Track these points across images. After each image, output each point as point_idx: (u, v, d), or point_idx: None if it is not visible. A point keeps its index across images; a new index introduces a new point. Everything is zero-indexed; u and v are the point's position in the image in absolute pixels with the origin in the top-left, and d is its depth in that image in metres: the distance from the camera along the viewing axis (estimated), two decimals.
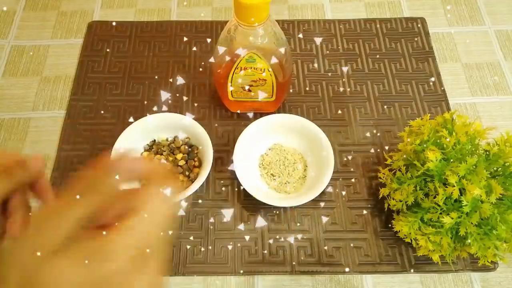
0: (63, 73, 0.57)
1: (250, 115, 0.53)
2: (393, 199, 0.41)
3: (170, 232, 0.20)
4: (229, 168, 0.49)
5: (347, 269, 0.44)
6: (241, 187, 0.46)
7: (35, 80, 0.57)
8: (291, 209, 0.47)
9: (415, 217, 0.39)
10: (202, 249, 0.45)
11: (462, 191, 0.36)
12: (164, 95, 0.55)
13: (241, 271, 0.44)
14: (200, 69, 0.57)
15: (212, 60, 0.46)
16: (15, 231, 0.22)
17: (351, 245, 0.45)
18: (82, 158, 0.50)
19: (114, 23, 0.61)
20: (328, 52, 0.59)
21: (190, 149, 0.49)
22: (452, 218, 0.35)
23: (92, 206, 0.19)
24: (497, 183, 0.35)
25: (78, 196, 0.18)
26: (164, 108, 0.54)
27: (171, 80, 0.56)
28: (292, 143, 0.50)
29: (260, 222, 0.46)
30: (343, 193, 0.48)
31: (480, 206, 0.35)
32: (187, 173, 0.47)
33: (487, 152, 0.39)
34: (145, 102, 0.54)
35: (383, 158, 0.50)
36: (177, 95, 0.55)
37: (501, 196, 0.36)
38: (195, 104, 0.54)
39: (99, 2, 0.65)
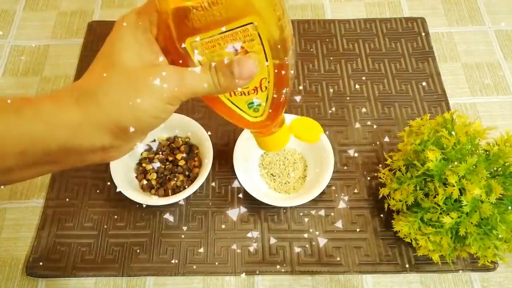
0: (63, 73, 0.57)
1: None
2: (393, 199, 0.41)
3: None
4: (229, 168, 0.49)
5: (347, 269, 0.44)
6: (241, 187, 0.46)
7: (35, 80, 0.57)
8: (291, 209, 0.47)
9: (415, 217, 0.39)
10: (202, 249, 0.45)
11: (462, 191, 0.36)
12: None
13: (241, 271, 0.44)
14: None
15: None
16: None
17: (351, 245, 0.45)
18: None
19: (114, 23, 0.61)
20: (328, 52, 0.59)
21: (190, 149, 0.49)
22: (452, 218, 0.35)
23: None
24: (497, 183, 0.35)
25: None
26: None
27: None
28: (292, 143, 0.50)
29: (260, 222, 0.46)
30: (343, 193, 0.48)
31: (480, 206, 0.35)
32: (187, 173, 0.47)
33: (487, 152, 0.39)
34: None
35: (383, 158, 0.50)
36: None
37: (501, 196, 0.36)
38: (195, 104, 0.54)
39: (99, 2, 0.65)
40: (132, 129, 0.23)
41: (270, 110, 0.29)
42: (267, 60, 0.25)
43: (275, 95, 0.28)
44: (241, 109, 0.29)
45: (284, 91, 0.28)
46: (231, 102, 0.29)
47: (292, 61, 0.26)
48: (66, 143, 0.22)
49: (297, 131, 0.37)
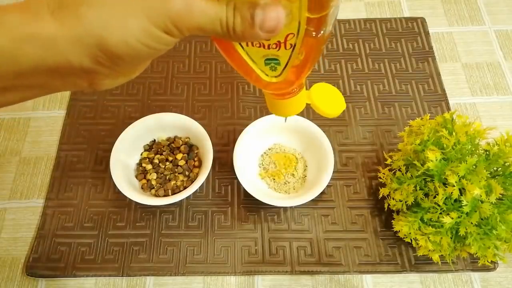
0: None
1: (251, 114, 0.53)
2: (393, 199, 0.41)
3: None
4: (229, 168, 0.49)
5: (347, 269, 0.44)
6: (241, 187, 0.46)
7: None
8: (291, 209, 0.47)
9: (415, 217, 0.39)
10: (202, 249, 0.45)
11: (462, 191, 0.36)
12: (164, 95, 0.55)
13: (241, 271, 0.44)
14: (201, 69, 0.57)
15: None
16: None
17: (351, 245, 0.45)
18: (82, 158, 0.50)
19: None
20: (328, 52, 0.59)
21: (190, 149, 0.49)
22: (452, 218, 0.35)
23: None
24: (497, 183, 0.35)
25: None
26: (164, 108, 0.54)
27: (171, 80, 0.56)
28: (292, 143, 0.50)
29: (260, 222, 0.46)
30: (343, 193, 0.48)
31: (480, 206, 0.35)
32: (187, 173, 0.47)
33: (487, 152, 0.39)
34: (145, 102, 0.54)
35: (383, 158, 0.50)
36: (177, 95, 0.55)
37: (501, 196, 0.36)
38: (195, 104, 0.54)
39: None
40: (117, 55, 0.19)
41: (290, 73, 0.25)
42: (300, 13, 0.20)
43: (300, 57, 0.23)
44: (255, 63, 0.25)
45: (313, 54, 0.23)
46: (246, 52, 0.24)
47: (331, 21, 0.22)
48: (40, 62, 0.19)
49: (316, 100, 0.32)
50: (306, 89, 0.31)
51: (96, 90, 0.22)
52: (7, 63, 0.19)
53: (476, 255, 0.37)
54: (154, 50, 0.20)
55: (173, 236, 0.46)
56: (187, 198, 0.47)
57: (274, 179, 0.48)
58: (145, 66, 0.24)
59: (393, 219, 0.43)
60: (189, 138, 0.50)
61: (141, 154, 0.49)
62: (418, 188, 0.39)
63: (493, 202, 0.35)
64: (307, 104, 0.33)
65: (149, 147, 0.49)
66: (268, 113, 0.53)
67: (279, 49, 0.23)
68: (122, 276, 0.44)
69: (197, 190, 0.44)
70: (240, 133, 0.47)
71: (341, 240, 0.45)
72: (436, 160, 0.37)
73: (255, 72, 0.25)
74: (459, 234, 0.36)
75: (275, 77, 0.25)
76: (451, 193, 0.35)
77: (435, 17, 0.62)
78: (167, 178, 0.47)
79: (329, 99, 0.33)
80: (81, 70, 0.20)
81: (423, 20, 0.61)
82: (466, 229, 0.36)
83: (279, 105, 0.31)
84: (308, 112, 0.54)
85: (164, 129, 0.50)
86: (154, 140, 0.50)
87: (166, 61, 0.58)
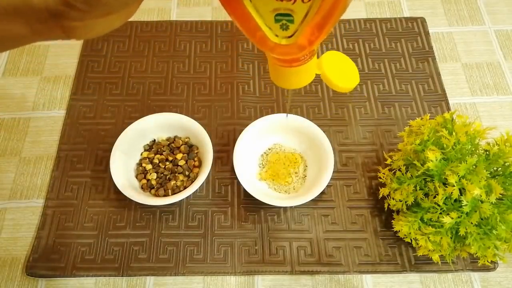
0: (63, 73, 0.58)
1: (251, 114, 0.53)
2: (393, 199, 0.41)
3: None
4: (229, 168, 0.49)
5: (347, 269, 0.44)
6: (241, 187, 0.46)
7: (35, 80, 0.57)
8: (291, 209, 0.47)
9: (415, 217, 0.39)
10: (202, 249, 0.45)
11: (462, 191, 0.36)
12: (164, 95, 0.55)
13: (241, 271, 0.44)
14: (201, 69, 0.57)
15: None
16: None
17: (351, 245, 0.45)
18: (82, 158, 0.50)
19: None
20: None
21: (190, 149, 0.49)
22: (452, 218, 0.35)
23: None
24: (497, 183, 0.35)
25: None
26: (164, 108, 0.54)
27: (171, 80, 0.56)
28: (292, 143, 0.50)
29: (260, 222, 0.46)
30: (343, 193, 0.48)
31: (480, 206, 0.35)
32: (187, 173, 0.47)
33: (487, 152, 0.39)
34: (145, 102, 0.54)
35: (383, 158, 0.50)
36: (177, 95, 0.55)
37: (501, 196, 0.36)
38: (195, 104, 0.54)
39: None
40: None
41: (304, 34, 0.21)
42: None
43: (320, 14, 0.19)
44: (263, 19, 0.20)
45: (338, 8, 0.20)
46: (253, 5, 0.20)
47: None
48: None
49: (328, 71, 0.28)
50: (317, 57, 0.28)
51: (72, 38, 0.18)
52: None
53: (476, 255, 0.37)
54: None
55: (173, 236, 0.46)
56: (187, 198, 0.47)
57: (274, 179, 0.48)
58: (128, 15, 0.20)
59: (393, 219, 0.43)
60: (189, 138, 0.50)
61: (141, 154, 0.49)
62: (418, 188, 0.39)
63: (493, 202, 0.35)
64: (312, 83, 0.30)
65: (149, 147, 0.49)
66: (268, 113, 0.53)
67: (294, 1, 0.19)
68: (122, 276, 0.44)
69: (197, 190, 0.44)
70: (240, 133, 0.47)
71: (341, 240, 0.46)
72: (436, 160, 0.37)
73: (261, 31, 0.21)
74: (459, 234, 0.36)
75: (286, 38, 0.21)
76: (451, 193, 0.35)
77: (435, 17, 0.62)
78: (167, 178, 0.47)
79: (342, 71, 0.29)
80: (47, 14, 0.16)
81: (423, 20, 0.61)
82: (466, 229, 0.36)
83: (284, 74, 0.27)
84: (308, 112, 0.54)
85: (164, 129, 0.50)
86: (154, 140, 0.50)
87: (166, 61, 0.58)
